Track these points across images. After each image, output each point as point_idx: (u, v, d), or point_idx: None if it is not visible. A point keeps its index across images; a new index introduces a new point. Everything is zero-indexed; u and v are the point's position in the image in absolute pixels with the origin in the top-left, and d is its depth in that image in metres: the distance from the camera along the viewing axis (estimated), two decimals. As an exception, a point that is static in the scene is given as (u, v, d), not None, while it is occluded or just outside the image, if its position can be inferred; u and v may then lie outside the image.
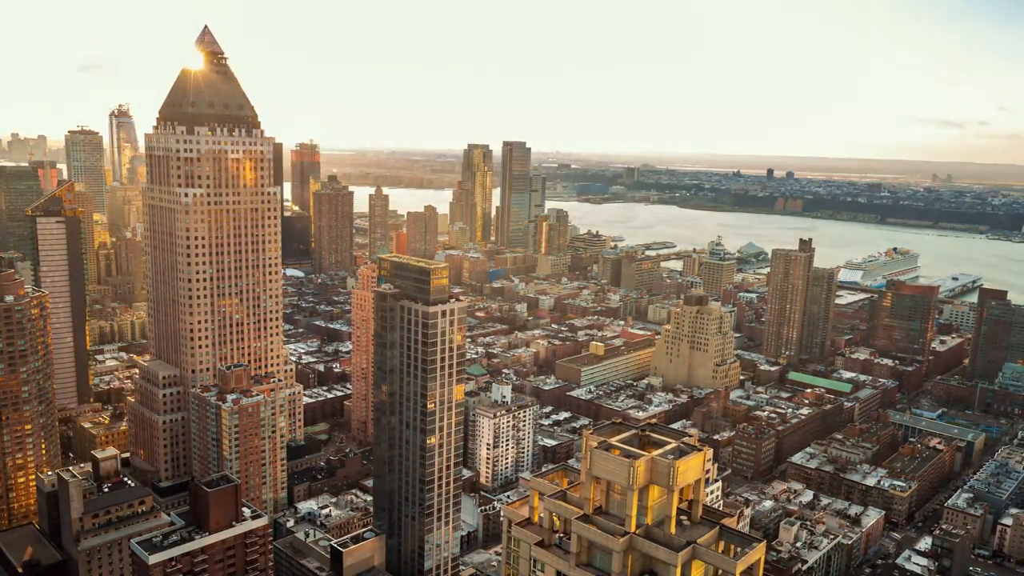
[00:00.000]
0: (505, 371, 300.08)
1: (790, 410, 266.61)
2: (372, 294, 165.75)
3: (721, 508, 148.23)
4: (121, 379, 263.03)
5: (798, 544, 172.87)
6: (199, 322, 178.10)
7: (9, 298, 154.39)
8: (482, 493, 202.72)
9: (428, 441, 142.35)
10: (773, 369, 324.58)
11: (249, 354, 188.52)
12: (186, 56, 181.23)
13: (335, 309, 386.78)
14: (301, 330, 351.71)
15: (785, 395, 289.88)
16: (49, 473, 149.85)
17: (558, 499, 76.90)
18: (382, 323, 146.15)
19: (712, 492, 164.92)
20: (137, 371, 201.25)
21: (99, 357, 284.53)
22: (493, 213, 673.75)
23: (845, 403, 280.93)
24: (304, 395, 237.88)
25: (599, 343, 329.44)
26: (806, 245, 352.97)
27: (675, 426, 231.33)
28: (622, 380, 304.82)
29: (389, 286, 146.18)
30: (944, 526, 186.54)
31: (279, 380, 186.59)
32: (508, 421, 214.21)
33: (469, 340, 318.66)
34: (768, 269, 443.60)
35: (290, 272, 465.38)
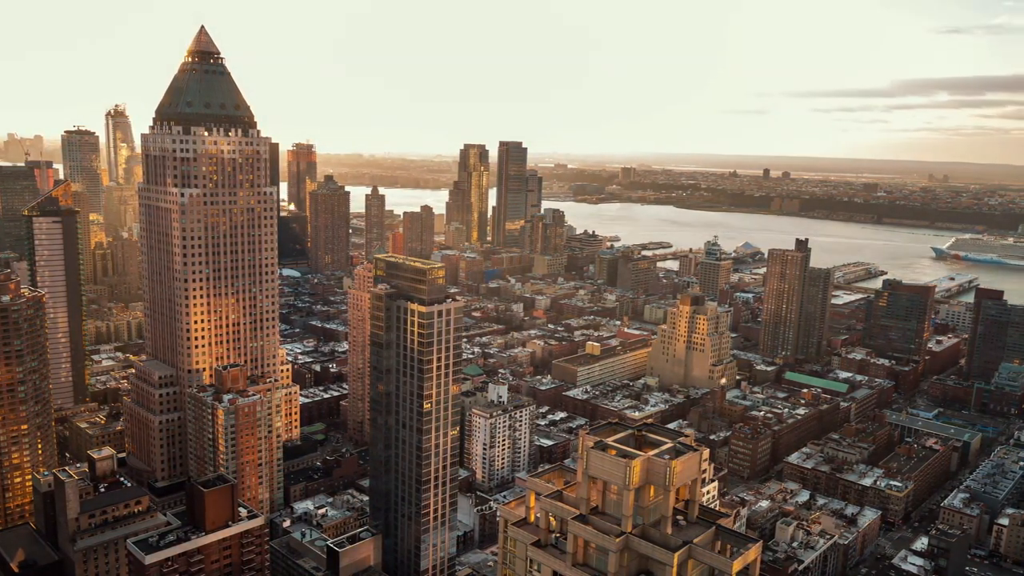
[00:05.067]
0: (501, 371, 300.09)
1: (786, 410, 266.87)
2: (368, 294, 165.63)
3: (717, 508, 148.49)
4: (117, 379, 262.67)
5: (794, 544, 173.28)
6: (195, 322, 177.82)
7: (5, 298, 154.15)
8: (478, 493, 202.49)
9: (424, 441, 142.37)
10: (769, 369, 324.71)
11: (245, 354, 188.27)
12: (182, 56, 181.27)
13: (331, 309, 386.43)
14: (297, 330, 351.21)
15: (781, 395, 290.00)
16: (45, 473, 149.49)
17: (554, 499, 76.97)
18: (378, 323, 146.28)
19: (708, 492, 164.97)
20: (133, 371, 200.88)
21: (95, 357, 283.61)
22: (489, 213, 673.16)
23: (841, 403, 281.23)
24: (300, 395, 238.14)
25: (595, 343, 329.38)
26: (802, 245, 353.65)
27: (671, 426, 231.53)
28: (618, 380, 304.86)
29: (385, 286, 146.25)
30: (940, 526, 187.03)
31: (275, 380, 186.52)
32: (504, 421, 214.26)
33: (465, 340, 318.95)
34: (764, 269, 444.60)
35: (286, 272, 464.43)
